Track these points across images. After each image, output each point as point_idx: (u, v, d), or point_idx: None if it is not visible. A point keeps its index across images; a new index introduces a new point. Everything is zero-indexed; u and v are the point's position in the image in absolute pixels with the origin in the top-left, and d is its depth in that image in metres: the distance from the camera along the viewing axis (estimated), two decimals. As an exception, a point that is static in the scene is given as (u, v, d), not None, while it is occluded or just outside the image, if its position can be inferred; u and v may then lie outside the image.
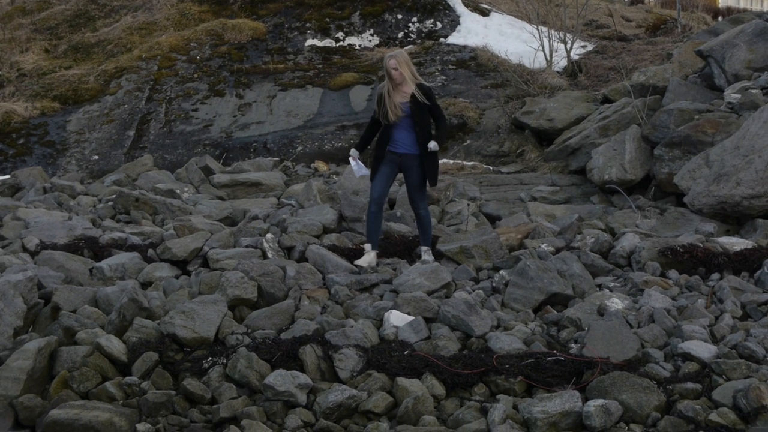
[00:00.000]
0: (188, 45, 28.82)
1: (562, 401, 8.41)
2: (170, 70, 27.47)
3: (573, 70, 25.32)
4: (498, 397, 8.82)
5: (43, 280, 11.63)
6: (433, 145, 11.79)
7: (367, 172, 12.22)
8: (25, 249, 13.62)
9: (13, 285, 10.64)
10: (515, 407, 8.60)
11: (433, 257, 12.19)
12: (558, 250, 12.57)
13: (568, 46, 26.06)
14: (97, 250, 13.44)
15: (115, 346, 9.73)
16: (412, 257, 12.67)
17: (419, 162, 11.97)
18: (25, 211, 15.97)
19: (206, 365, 9.50)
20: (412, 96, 11.75)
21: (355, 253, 12.59)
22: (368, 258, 12.07)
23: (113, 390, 9.18)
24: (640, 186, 16.98)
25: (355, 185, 16.87)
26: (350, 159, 12.41)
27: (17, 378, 9.21)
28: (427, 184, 12.32)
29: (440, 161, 21.32)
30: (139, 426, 8.61)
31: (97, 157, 23.51)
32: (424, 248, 12.32)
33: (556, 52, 25.99)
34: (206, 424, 8.81)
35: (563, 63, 26.05)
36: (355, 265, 11.98)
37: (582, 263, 11.81)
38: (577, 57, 26.24)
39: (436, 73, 26.07)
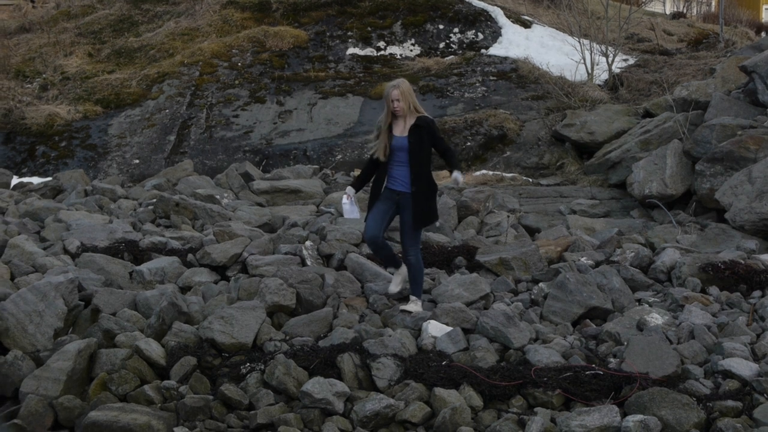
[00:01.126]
0: (230, 51, 28.97)
1: (601, 416, 8.35)
2: (212, 76, 27.62)
3: (614, 84, 25.23)
4: (536, 409, 8.77)
5: (84, 282, 11.72)
6: (458, 176, 10.70)
7: (358, 215, 11.15)
8: (66, 251, 13.73)
9: (54, 287, 10.72)
10: (553, 420, 8.55)
11: (420, 308, 10.89)
12: (597, 264, 12.52)
13: (610, 59, 25.97)
14: (137, 253, 13.52)
15: (153, 349, 9.78)
16: (451, 268, 12.64)
17: (411, 198, 10.69)
18: (66, 213, 16.10)
19: (244, 371, 9.53)
20: (412, 128, 10.64)
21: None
22: (399, 278, 11.27)
23: (151, 393, 9.22)
24: (680, 201, 16.89)
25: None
26: (343, 197, 11.08)
27: (57, 379, 9.28)
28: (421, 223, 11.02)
29: (479, 173, 21.49)
30: (177, 430, 8.64)
31: (137, 161, 23.65)
32: (412, 298, 10.99)
33: (597, 65, 25.93)
34: (243, 429, 8.82)
35: (604, 76, 25.98)
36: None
37: (622, 277, 11.75)
38: (618, 70, 26.15)
39: (477, 84, 26.04)
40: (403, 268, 11.11)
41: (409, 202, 10.65)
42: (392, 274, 11.48)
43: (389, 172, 10.82)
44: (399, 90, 10.56)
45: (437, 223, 14.25)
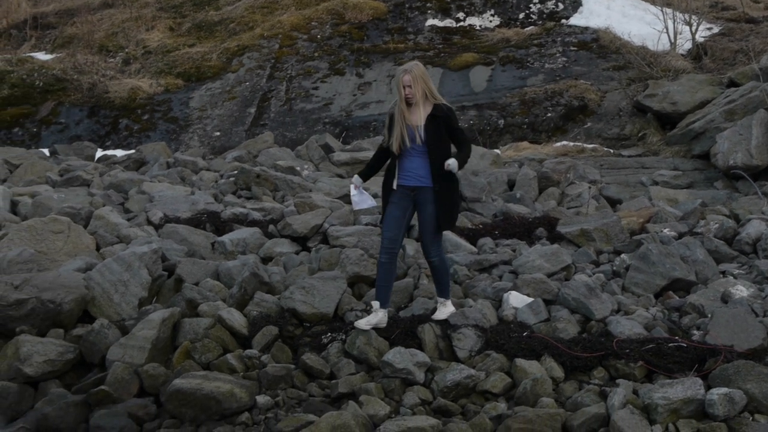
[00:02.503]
0: (309, 24, 29.04)
1: (684, 388, 8.23)
2: (291, 48, 27.72)
3: (698, 53, 24.81)
4: (618, 381, 8.68)
5: (167, 252, 11.86)
6: (451, 162, 9.27)
7: (372, 203, 10.03)
8: (149, 222, 13.91)
9: (138, 257, 10.86)
10: (635, 392, 8.45)
11: (452, 309, 9.78)
12: (681, 236, 12.35)
13: (693, 28, 25.54)
14: (218, 224, 13.64)
15: (236, 319, 9.87)
16: (532, 239, 12.56)
17: (434, 197, 9.45)
18: (149, 185, 16.30)
19: (325, 341, 9.58)
20: (429, 118, 9.38)
21: (475, 234, 12.54)
22: (375, 318, 9.53)
23: (234, 362, 9.30)
24: (766, 172, 16.58)
25: (475, 165, 16.83)
26: (351, 187, 9.99)
27: (142, 347, 9.40)
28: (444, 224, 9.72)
29: (559, 144, 21.31)
30: (259, 398, 8.70)
31: (218, 133, 23.86)
32: (440, 300, 9.84)
33: (680, 34, 25.51)
34: (324, 398, 8.86)
35: (688, 45, 25.57)
36: (356, 327, 9.56)
37: (705, 249, 11.58)
38: (702, 39, 25.71)
39: (557, 55, 25.80)
40: (383, 310, 9.59)
41: (429, 197, 9.41)
42: (370, 310, 9.89)
43: (401, 165, 9.54)
44: (411, 75, 9.31)
45: (518, 194, 14.15)
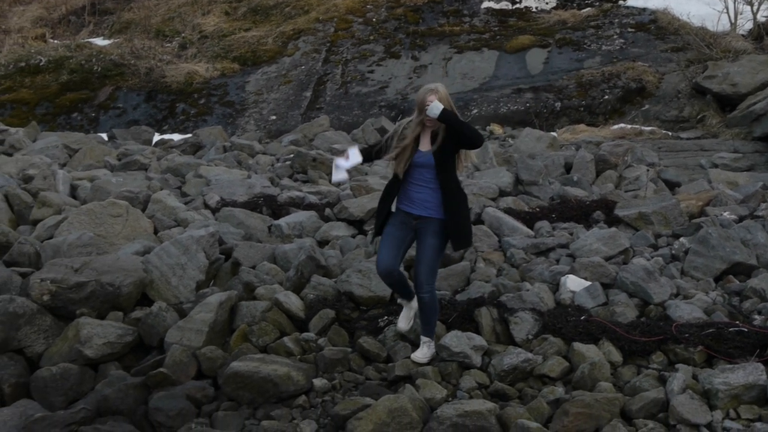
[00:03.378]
0: (364, 7, 29.01)
1: (746, 374, 8.13)
2: (346, 32, 27.71)
3: (759, 33, 24.45)
4: (677, 366, 8.59)
5: (224, 236, 11.91)
6: (436, 104, 8.21)
7: (344, 176, 8.86)
8: (206, 206, 13.98)
9: (195, 240, 10.91)
10: (695, 377, 8.36)
11: (433, 352, 8.95)
12: (741, 219, 12.19)
13: (755, 7, 25.14)
14: (275, 208, 13.68)
15: (293, 302, 9.89)
16: (589, 222, 12.46)
17: (439, 229, 8.56)
18: (206, 169, 16.38)
19: (382, 324, 9.56)
20: (442, 145, 8.44)
21: (532, 217, 12.47)
22: (409, 314, 9.12)
23: (291, 345, 9.31)
24: (829, 154, 16.34)
25: (531, 148, 16.73)
26: (339, 160, 8.80)
27: (200, 330, 9.45)
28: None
29: (617, 126, 21.11)
30: (316, 381, 8.71)
31: (274, 117, 23.93)
32: (424, 339, 8.96)
33: (741, 14, 25.17)
34: (381, 381, 8.84)
35: (749, 25, 25.23)
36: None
37: (767, 232, 11.40)
38: (763, 19, 25.32)
39: (614, 36, 25.56)
40: (415, 302, 9.01)
41: (433, 228, 8.52)
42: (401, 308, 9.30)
43: (405, 191, 8.63)
44: (438, 95, 8.31)
45: (575, 177, 14.03)
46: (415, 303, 8.97)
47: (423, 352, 8.91)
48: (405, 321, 9.08)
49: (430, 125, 8.45)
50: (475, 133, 8.33)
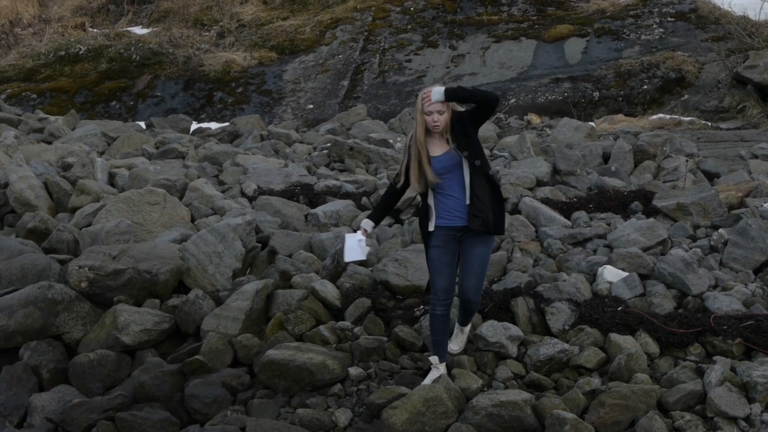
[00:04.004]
0: (402, -4, 28.94)
1: (785, 366, 8.06)
2: (384, 21, 27.67)
3: (801, 23, 24.18)
4: (715, 358, 8.50)
5: (261, 224, 11.95)
6: (435, 91, 7.72)
7: (363, 256, 8.19)
8: (243, 194, 14.03)
9: (232, 228, 10.95)
10: (733, 370, 8.27)
11: (463, 342, 8.80)
12: (781, 210, 12.06)
13: (797, -4, 24.87)
14: (312, 196, 13.70)
15: (329, 291, 9.89)
16: (627, 212, 12.38)
17: (484, 236, 8.05)
18: (243, 157, 16.43)
19: (418, 313, 9.54)
20: (456, 136, 7.87)
21: (569, 207, 12.41)
22: (438, 373, 8.44)
23: (326, 334, 9.32)
24: None
25: (569, 138, 16.64)
26: (348, 235, 8.30)
27: (236, 318, 9.48)
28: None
29: (655, 116, 20.97)
30: (352, 370, 8.71)
31: (311, 106, 23.95)
32: (461, 327, 8.82)
33: (783, 3, 24.87)
34: (416, 371, 8.83)
35: (791, 15, 24.91)
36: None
37: (807, 224, 11.28)
38: (806, 8, 25.02)
39: (654, 26, 25.37)
40: (443, 363, 8.49)
41: (477, 236, 8.01)
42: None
43: (439, 205, 8.07)
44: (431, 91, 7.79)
45: (613, 168, 13.94)
46: (443, 368, 8.44)
47: (459, 341, 8.76)
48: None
49: (435, 127, 7.79)
50: (487, 94, 7.79)
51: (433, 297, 8.21)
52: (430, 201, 8.11)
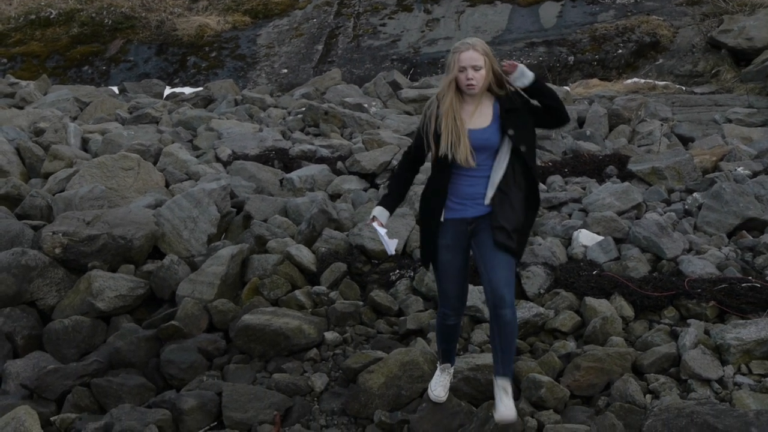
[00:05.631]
0: (377, -41, 28.78)
1: (758, 329, 8.07)
2: (359, -16, 27.52)
3: (775, -13, 24.20)
4: (689, 321, 8.54)
5: (236, 189, 11.91)
6: (522, 67, 6.45)
7: (393, 247, 6.73)
8: (218, 159, 13.97)
9: (207, 193, 10.91)
10: (707, 333, 8.31)
11: (512, 406, 6.51)
12: (755, 174, 12.10)
13: (771, -40, 24.87)
14: (287, 161, 13.67)
15: (304, 255, 9.87)
16: (602, 176, 12.41)
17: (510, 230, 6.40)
18: (217, 122, 16.35)
19: (393, 278, 9.54)
20: (505, 114, 6.38)
21: (544, 171, 12.46)
22: (444, 380, 7.36)
23: (302, 298, 9.31)
24: None
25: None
26: (374, 225, 6.73)
27: (211, 283, 9.46)
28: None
29: (630, 80, 21.00)
30: (327, 334, 8.71)
31: (286, 70, 23.83)
32: (500, 382, 6.55)
33: (757, -33, 24.87)
34: (392, 335, 8.83)
35: (765, -21, 24.92)
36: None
37: (781, 188, 11.34)
38: (780, -28, 25.04)
39: (629, -10, 25.35)
40: (453, 367, 7.40)
41: (493, 228, 6.36)
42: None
43: (458, 188, 6.50)
44: (477, 50, 6.33)
45: (588, 132, 13.96)
46: (453, 369, 7.36)
47: (507, 404, 6.54)
48: (443, 388, 7.31)
49: (470, 87, 6.30)
50: (565, 111, 6.53)
51: (443, 306, 6.83)
52: (444, 182, 6.52)
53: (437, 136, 6.36)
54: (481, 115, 6.41)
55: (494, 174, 6.40)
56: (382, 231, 6.69)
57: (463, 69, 6.30)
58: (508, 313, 6.36)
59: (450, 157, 6.29)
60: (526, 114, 6.40)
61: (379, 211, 6.72)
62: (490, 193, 6.40)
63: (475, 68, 6.27)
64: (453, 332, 7.03)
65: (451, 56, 6.36)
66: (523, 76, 6.35)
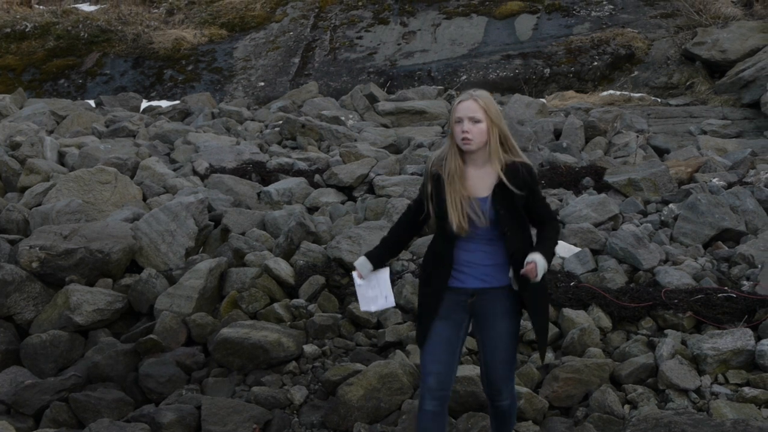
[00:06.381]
0: (353, -28, 28.84)
1: (734, 339, 8.14)
2: (335, -3, 27.57)
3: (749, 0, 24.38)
4: (666, 332, 8.60)
5: (213, 202, 11.90)
6: (539, 261, 5.73)
7: (389, 303, 6.39)
8: (195, 172, 13.97)
9: (185, 207, 10.90)
10: (684, 343, 8.38)
11: None
12: (730, 185, 12.18)
13: (744, -27, 25.07)
14: (264, 174, 13.68)
15: (282, 268, 9.87)
16: (579, 188, 12.47)
17: (510, 304, 5.96)
18: (195, 135, 16.34)
19: (372, 290, 9.55)
20: (499, 184, 5.79)
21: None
22: None
23: (281, 311, 9.31)
24: (818, 120, 16.36)
25: (520, 114, 16.69)
26: (354, 276, 6.41)
27: (190, 296, 9.45)
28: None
29: (606, 93, 21.10)
30: (306, 347, 8.71)
31: (263, 83, 23.84)
32: None
33: (731, -20, 25.06)
34: (371, 347, 8.85)
35: (738, -8, 25.11)
36: None
37: (756, 199, 11.40)
38: (753, -15, 25.23)
39: (604, 2, 25.48)
40: None
41: (501, 305, 5.93)
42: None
43: (456, 255, 5.95)
44: (478, 103, 5.78)
45: (564, 144, 14.01)
46: None
47: None
48: None
49: (466, 141, 5.74)
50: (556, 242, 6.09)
51: (422, 387, 6.04)
52: (447, 248, 5.96)
53: (434, 198, 5.87)
54: (483, 182, 5.85)
55: (506, 237, 5.83)
56: (359, 282, 6.30)
57: (459, 120, 5.76)
58: (506, 403, 6.13)
59: (449, 222, 5.77)
60: (525, 191, 5.82)
61: (361, 263, 6.30)
62: (511, 257, 5.86)
63: (473, 120, 5.72)
64: (433, 423, 5.98)
65: (454, 108, 5.87)
66: (543, 269, 5.76)
